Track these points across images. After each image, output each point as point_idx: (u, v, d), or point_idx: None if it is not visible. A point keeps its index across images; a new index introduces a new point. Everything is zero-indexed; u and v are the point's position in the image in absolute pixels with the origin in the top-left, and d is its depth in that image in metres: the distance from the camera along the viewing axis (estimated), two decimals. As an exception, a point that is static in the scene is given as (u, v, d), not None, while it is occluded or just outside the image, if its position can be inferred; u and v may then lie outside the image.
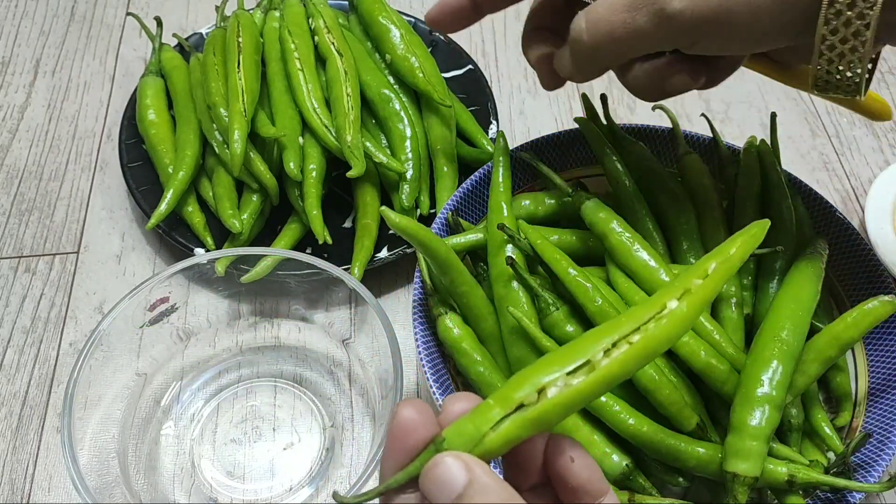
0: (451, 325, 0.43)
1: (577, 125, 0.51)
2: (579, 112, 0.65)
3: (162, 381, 0.48)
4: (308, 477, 0.45)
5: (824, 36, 0.31)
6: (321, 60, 0.55)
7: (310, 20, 0.57)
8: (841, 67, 0.31)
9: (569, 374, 0.26)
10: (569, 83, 0.64)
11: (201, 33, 0.63)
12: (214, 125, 0.52)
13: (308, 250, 0.53)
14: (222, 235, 0.53)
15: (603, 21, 0.35)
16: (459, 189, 0.49)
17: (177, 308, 0.48)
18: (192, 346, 0.49)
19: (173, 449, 0.46)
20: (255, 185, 0.52)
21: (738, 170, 0.50)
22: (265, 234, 0.54)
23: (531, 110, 0.65)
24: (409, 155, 0.53)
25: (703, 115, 0.55)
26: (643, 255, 0.43)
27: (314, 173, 0.51)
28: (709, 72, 0.37)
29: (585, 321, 0.41)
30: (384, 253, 0.52)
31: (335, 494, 0.25)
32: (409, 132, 0.54)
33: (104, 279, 0.54)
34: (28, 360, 0.50)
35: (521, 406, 0.25)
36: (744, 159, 0.49)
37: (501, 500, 0.24)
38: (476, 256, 0.47)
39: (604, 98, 0.52)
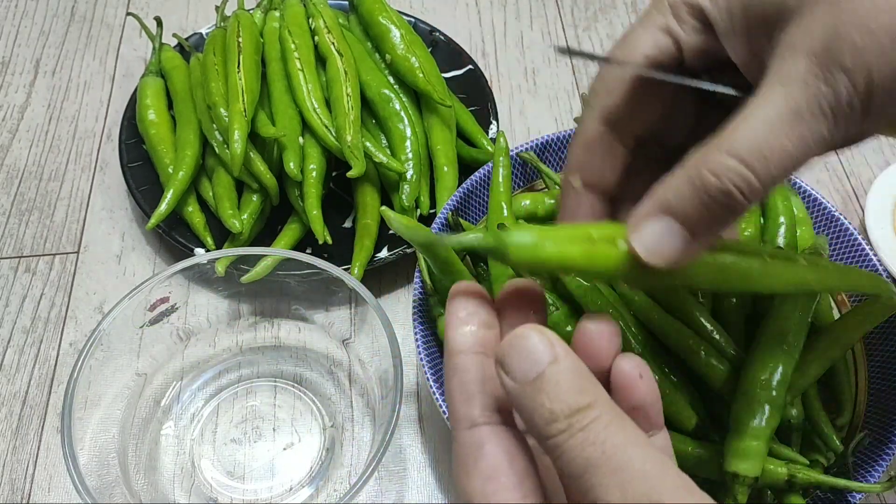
0: (451, 325, 0.43)
1: (577, 125, 0.51)
2: (579, 112, 0.65)
3: (162, 381, 0.48)
4: (308, 477, 0.45)
5: None
6: (321, 60, 0.55)
7: (310, 20, 0.57)
8: None
9: None
10: (567, 84, 0.64)
11: (201, 33, 0.63)
12: (214, 125, 0.52)
13: (308, 250, 0.53)
14: (222, 235, 0.53)
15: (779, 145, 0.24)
16: (459, 189, 0.49)
17: (177, 308, 0.48)
18: (192, 346, 0.49)
19: (173, 449, 0.46)
20: (255, 185, 0.52)
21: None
22: (265, 234, 0.54)
23: (531, 110, 0.65)
24: (409, 155, 0.53)
25: (703, 115, 0.55)
26: (643, 255, 0.43)
27: (314, 173, 0.51)
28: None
29: (585, 321, 0.41)
30: (384, 253, 0.52)
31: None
32: (409, 132, 0.54)
33: (104, 279, 0.54)
34: (28, 360, 0.50)
35: None
36: (744, 159, 0.49)
37: (579, 385, 0.22)
38: (476, 256, 0.47)
39: (604, 98, 0.52)
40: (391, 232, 0.53)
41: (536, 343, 0.23)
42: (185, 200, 0.53)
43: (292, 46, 0.54)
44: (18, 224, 0.57)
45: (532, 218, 0.48)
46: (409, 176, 0.52)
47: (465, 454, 0.24)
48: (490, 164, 0.48)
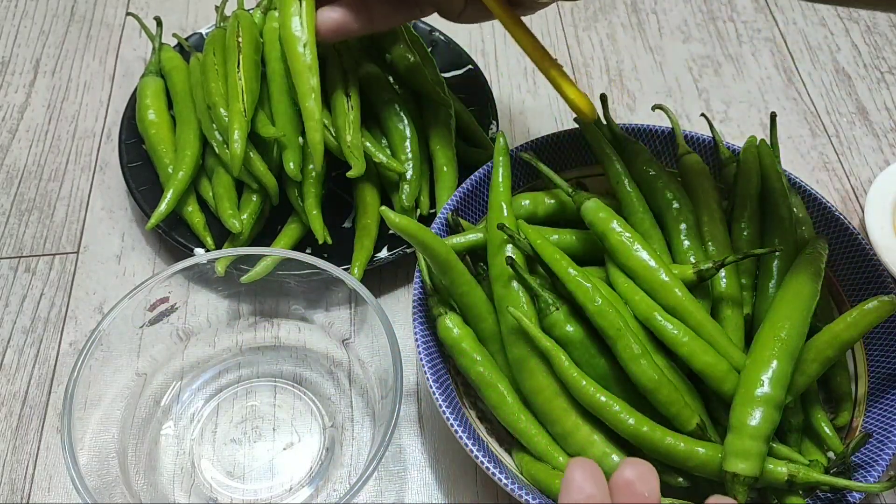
0: (451, 325, 0.43)
1: (577, 125, 0.51)
2: (579, 112, 0.65)
3: (162, 381, 0.48)
4: (308, 477, 0.45)
5: None
6: (322, 60, 0.55)
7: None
8: None
9: None
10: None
11: (201, 33, 0.63)
12: (214, 125, 0.52)
13: (308, 250, 0.53)
14: (222, 235, 0.53)
15: None
16: (459, 189, 0.49)
17: (177, 308, 0.48)
18: (192, 346, 0.49)
19: (173, 449, 0.46)
20: (255, 185, 0.52)
21: (738, 170, 0.50)
22: (265, 234, 0.54)
23: (531, 110, 0.66)
24: (409, 155, 0.53)
25: (703, 115, 0.55)
26: (643, 255, 0.43)
27: (314, 173, 0.51)
28: None
29: (585, 321, 0.41)
30: (384, 253, 0.52)
31: None
32: (408, 132, 0.54)
33: (104, 279, 0.54)
34: (28, 360, 0.50)
35: None
36: (744, 159, 0.49)
37: None
38: (476, 256, 0.47)
39: (604, 98, 0.52)
40: (391, 232, 0.53)
41: None
42: (185, 200, 0.53)
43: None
44: (18, 224, 0.57)
45: (532, 218, 0.48)
46: (408, 176, 0.52)
47: None
48: (490, 164, 0.48)
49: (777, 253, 0.46)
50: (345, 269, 0.46)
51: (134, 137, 0.57)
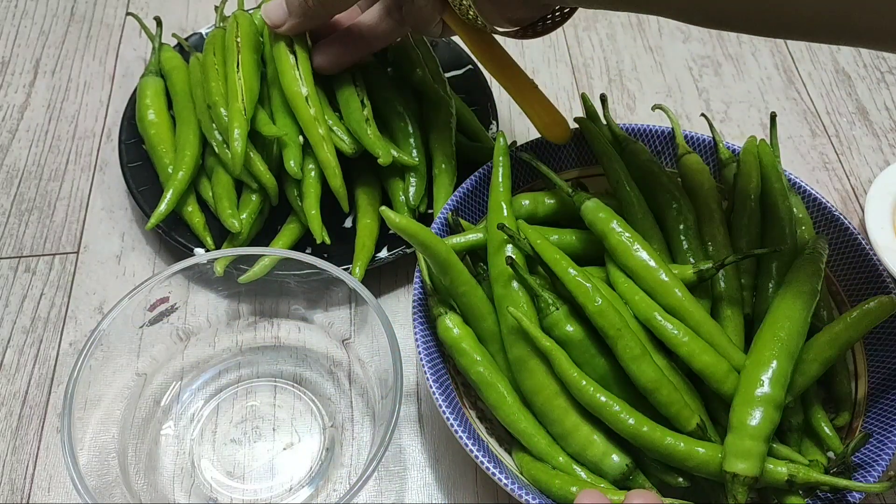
0: (451, 325, 0.43)
1: (577, 125, 0.51)
2: (579, 112, 0.65)
3: (162, 381, 0.48)
4: (308, 477, 0.45)
5: None
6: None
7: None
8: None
9: None
10: (567, 84, 0.64)
11: (201, 33, 0.63)
12: (214, 125, 0.52)
13: (308, 250, 0.53)
14: (222, 235, 0.53)
15: None
16: (459, 189, 0.49)
17: (177, 308, 0.48)
18: (191, 346, 0.49)
19: (173, 449, 0.46)
20: (255, 184, 0.52)
21: (737, 170, 0.50)
22: (265, 233, 0.54)
23: (531, 110, 0.65)
24: (415, 154, 0.53)
25: (703, 115, 0.55)
26: (643, 255, 0.43)
27: (313, 173, 0.51)
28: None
29: (585, 321, 0.41)
30: (384, 253, 0.52)
31: None
32: (411, 129, 0.54)
33: (104, 279, 0.54)
34: (28, 360, 0.50)
35: None
36: (743, 159, 0.49)
37: None
38: (476, 256, 0.47)
39: (603, 98, 0.52)
40: (391, 232, 0.53)
41: None
42: (185, 200, 0.53)
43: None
44: (18, 224, 0.57)
45: (532, 218, 0.48)
46: (418, 171, 0.53)
47: None
48: (490, 164, 0.48)
49: (777, 253, 0.46)
50: (345, 269, 0.46)
51: (134, 137, 0.57)
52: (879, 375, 0.45)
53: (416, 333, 0.43)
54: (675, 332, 0.41)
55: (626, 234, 0.43)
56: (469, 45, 0.48)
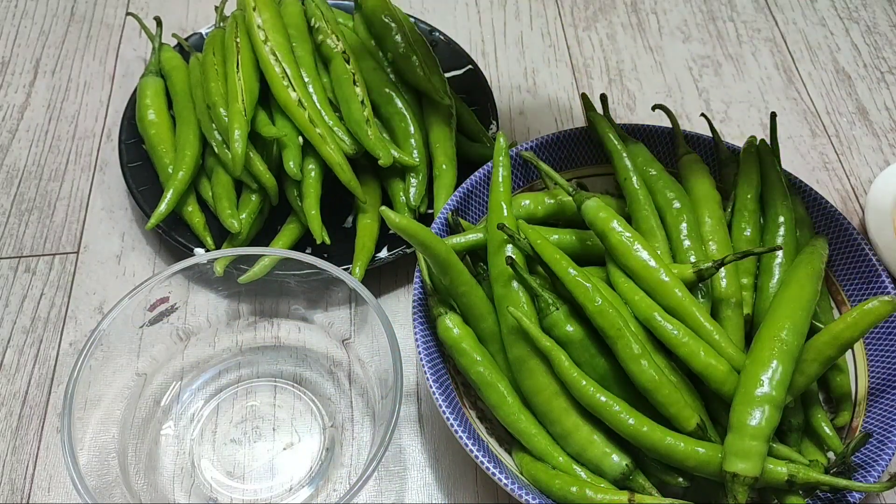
0: (451, 325, 0.43)
1: (576, 125, 0.51)
2: (579, 112, 0.65)
3: (162, 381, 0.48)
4: (308, 477, 0.45)
5: None
6: (326, 61, 0.55)
7: (312, 20, 0.57)
8: None
9: None
10: (567, 84, 0.64)
11: (201, 33, 0.63)
12: (214, 125, 0.52)
13: (308, 250, 0.53)
14: (222, 235, 0.53)
15: None
16: (459, 189, 0.49)
17: (177, 308, 0.48)
18: (191, 346, 0.49)
19: (173, 449, 0.46)
20: (254, 184, 0.52)
21: (737, 170, 0.50)
22: (265, 233, 0.54)
23: (531, 110, 0.65)
24: (415, 154, 0.53)
25: (703, 115, 0.55)
26: (643, 255, 0.43)
27: (313, 173, 0.51)
28: None
29: (585, 321, 0.41)
30: (384, 253, 0.52)
31: None
32: (412, 129, 0.54)
33: (104, 279, 0.54)
34: (28, 360, 0.50)
35: None
36: (743, 159, 0.49)
37: None
38: (476, 256, 0.47)
39: (604, 98, 0.52)
40: (391, 232, 0.53)
41: None
42: (185, 200, 0.53)
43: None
44: (18, 224, 0.57)
45: (532, 218, 0.48)
46: (418, 171, 0.53)
47: None
48: (490, 164, 0.48)
49: (777, 253, 0.46)
50: (345, 269, 0.46)
51: (134, 137, 0.57)
52: (879, 375, 0.45)
53: (416, 333, 0.43)
54: (675, 332, 0.41)
55: (627, 234, 0.43)
56: None
